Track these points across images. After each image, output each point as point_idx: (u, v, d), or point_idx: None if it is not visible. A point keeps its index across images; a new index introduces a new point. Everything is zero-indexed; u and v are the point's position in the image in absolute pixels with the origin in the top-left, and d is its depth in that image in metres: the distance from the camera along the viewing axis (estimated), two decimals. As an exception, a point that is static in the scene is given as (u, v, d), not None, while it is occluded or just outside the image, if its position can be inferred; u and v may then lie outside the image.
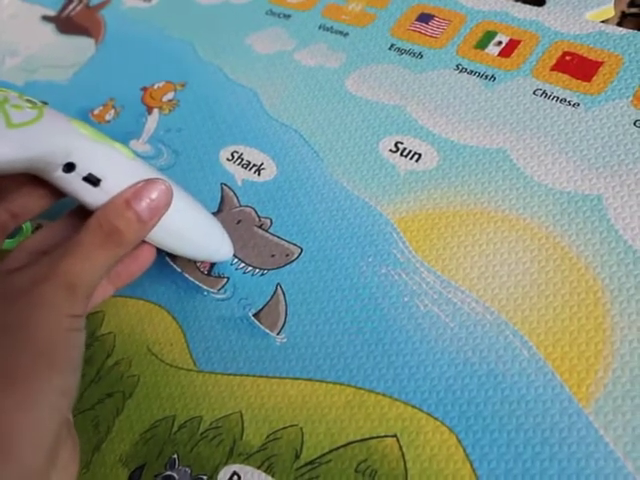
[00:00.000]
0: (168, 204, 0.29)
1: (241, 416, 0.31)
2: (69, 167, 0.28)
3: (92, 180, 0.28)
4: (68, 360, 0.26)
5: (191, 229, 0.32)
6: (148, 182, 0.28)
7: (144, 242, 0.31)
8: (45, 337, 0.25)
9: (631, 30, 0.36)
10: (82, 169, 0.28)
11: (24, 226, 0.32)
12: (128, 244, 0.28)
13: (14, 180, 0.30)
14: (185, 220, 0.31)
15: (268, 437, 0.30)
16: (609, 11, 0.38)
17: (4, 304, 0.26)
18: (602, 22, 0.37)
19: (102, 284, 0.31)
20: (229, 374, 0.32)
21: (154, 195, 0.28)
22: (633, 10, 0.39)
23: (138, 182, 0.28)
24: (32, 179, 0.29)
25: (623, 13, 0.39)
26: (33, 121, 0.26)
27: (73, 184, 0.28)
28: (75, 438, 0.28)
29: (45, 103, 0.28)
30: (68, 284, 0.26)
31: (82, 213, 0.30)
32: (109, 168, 0.28)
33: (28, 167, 0.26)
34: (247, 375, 0.32)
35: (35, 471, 0.24)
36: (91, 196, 0.28)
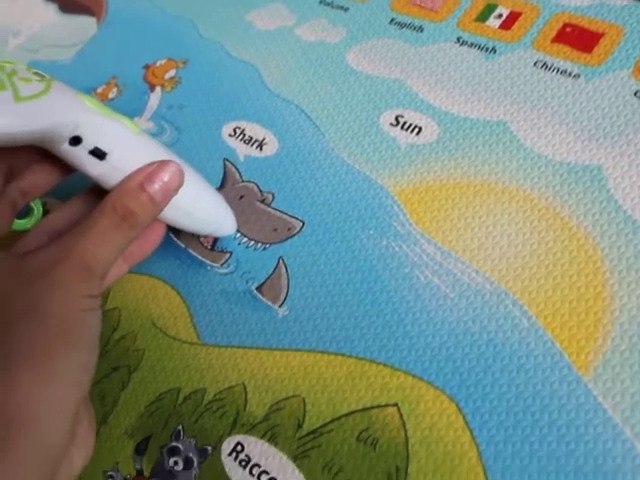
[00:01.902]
0: (180, 185, 0.29)
1: (244, 387, 0.31)
2: (75, 140, 0.28)
3: (98, 153, 0.28)
4: (85, 339, 0.27)
5: (196, 204, 0.32)
6: (161, 164, 0.29)
7: (154, 219, 0.31)
8: (62, 317, 0.26)
9: (632, 1, 0.36)
10: (88, 142, 0.28)
11: (35, 207, 0.32)
12: (142, 225, 0.29)
13: (23, 158, 0.30)
14: (190, 195, 0.31)
15: (271, 408, 0.30)
16: (611, -18, 0.38)
17: (21, 285, 0.26)
18: (604, -7, 0.37)
19: (116, 263, 0.31)
20: (232, 346, 0.33)
21: (167, 177, 0.29)
22: (635, -20, 0.38)
23: (151, 164, 0.29)
24: (40, 156, 0.30)
25: (625, -16, 0.39)
26: (41, 94, 0.26)
27: (79, 157, 0.28)
28: (92, 415, 0.28)
29: None
30: (84, 265, 0.26)
31: (96, 193, 0.30)
32: (115, 142, 0.29)
33: (35, 139, 0.27)
34: (250, 347, 0.32)
35: (55, 445, 0.24)
36: (97, 169, 0.28)
